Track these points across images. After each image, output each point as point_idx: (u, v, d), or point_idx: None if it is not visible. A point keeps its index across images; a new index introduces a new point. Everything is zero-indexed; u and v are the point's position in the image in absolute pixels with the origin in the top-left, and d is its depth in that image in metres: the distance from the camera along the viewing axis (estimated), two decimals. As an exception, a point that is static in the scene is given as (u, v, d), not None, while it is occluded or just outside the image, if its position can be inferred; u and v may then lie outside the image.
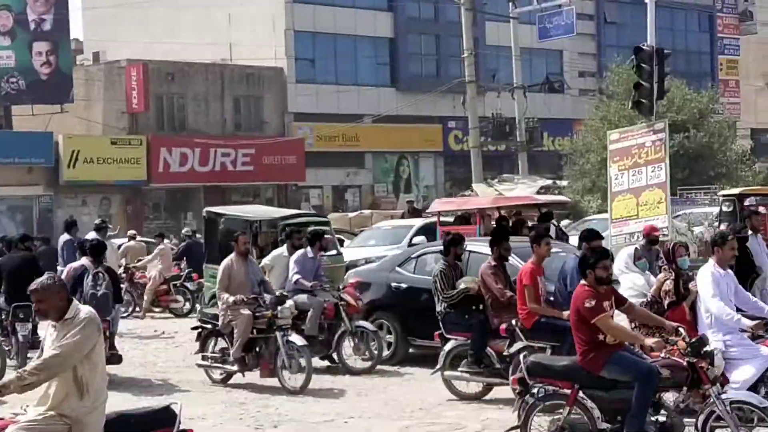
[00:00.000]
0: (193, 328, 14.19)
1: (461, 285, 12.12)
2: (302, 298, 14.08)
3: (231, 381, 13.46)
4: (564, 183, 38.78)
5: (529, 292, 11.12)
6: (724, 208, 26.76)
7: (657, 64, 24.29)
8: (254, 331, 12.89)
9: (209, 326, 13.58)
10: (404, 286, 14.39)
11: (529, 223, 20.32)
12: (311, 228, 16.17)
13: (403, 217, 30.20)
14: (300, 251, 14.64)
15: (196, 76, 44.49)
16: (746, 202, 27.36)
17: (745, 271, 12.82)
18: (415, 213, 30.96)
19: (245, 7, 45.40)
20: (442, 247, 13.33)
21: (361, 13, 48.35)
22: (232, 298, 12.86)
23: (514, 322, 11.29)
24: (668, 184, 24.33)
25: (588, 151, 40.33)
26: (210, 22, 46.26)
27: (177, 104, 44.35)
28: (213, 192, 42.53)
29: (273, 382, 12.95)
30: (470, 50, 33.74)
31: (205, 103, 44.59)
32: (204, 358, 13.63)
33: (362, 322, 14.32)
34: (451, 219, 23.29)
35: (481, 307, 12.02)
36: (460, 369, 11.84)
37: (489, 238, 15.86)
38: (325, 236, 15.99)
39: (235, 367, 13.08)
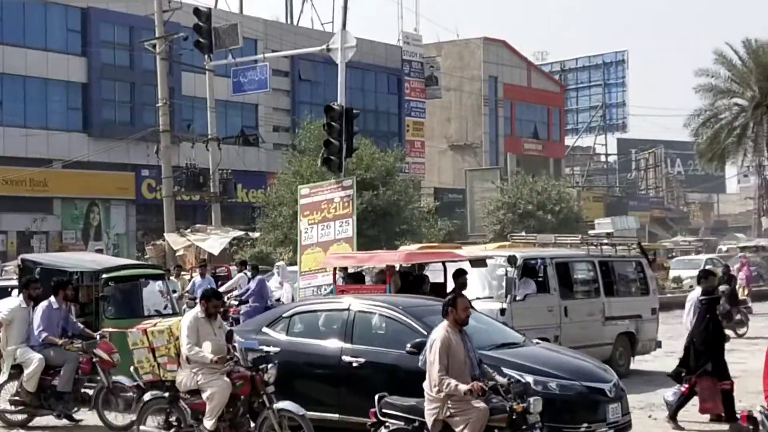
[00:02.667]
0: (371, 425, 10.29)
1: None
2: (54, 352, 13.31)
3: None
4: (257, 235, 39.26)
5: None
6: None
7: (346, 123, 25.27)
8: None
9: (400, 422, 9.99)
10: (276, 349, 12.52)
11: (431, 279, 19.44)
12: (57, 278, 14.30)
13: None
14: (44, 303, 13.54)
15: None
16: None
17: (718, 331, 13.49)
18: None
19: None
20: (313, 307, 12.80)
21: (53, 57, 47.17)
22: (463, 387, 9.43)
23: (759, 407, 9.79)
24: (355, 239, 25.25)
25: (281, 204, 41.07)
26: None
27: None
28: None
29: None
30: (165, 99, 33.71)
31: None
32: None
33: (119, 378, 13.45)
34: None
35: None
36: None
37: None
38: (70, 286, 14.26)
39: None
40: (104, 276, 15.32)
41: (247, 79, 35.47)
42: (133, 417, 13.17)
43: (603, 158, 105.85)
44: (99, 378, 13.37)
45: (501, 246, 21.22)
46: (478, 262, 17.50)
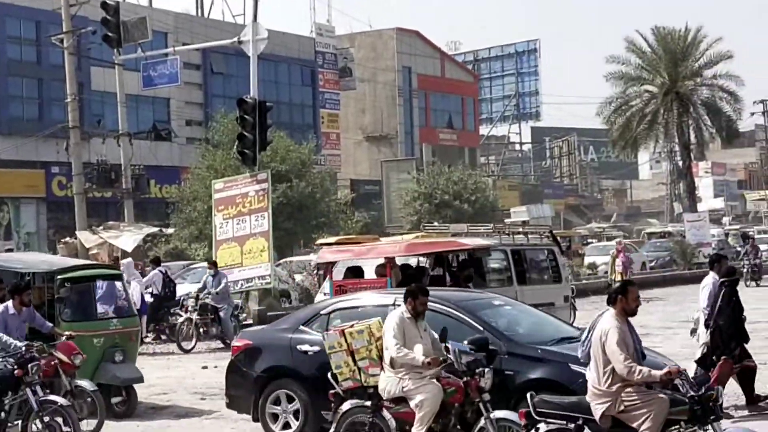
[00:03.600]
0: (524, 427, 9.53)
1: None
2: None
3: None
4: (171, 231, 38.75)
5: None
6: (323, 256, 27.74)
7: (259, 115, 25.05)
8: None
9: (561, 421, 9.19)
10: (315, 348, 11.75)
11: (430, 272, 18.69)
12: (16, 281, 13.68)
13: None
14: (0, 306, 12.99)
15: None
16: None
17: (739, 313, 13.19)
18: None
19: None
20: (355, 303, 12.17)
21: (-44, 53, 46.05)
22: (657, 372, 8.78)
23: None
24: (271, 233, 25.08)
25: (195, 199, 40.63)
26: None
27: None
28: None
29: None
30: (74, 95, 33.02)
31: None
32: None
33: (81, 381, 12.96)
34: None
35: None
36: None
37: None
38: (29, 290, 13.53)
39: None
40: (59, 277, 14.64)
41: (157, 73, 34.87)
42: (95, 422, 12.76)
43: (517, 147, 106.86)
44: (62, 381, 12.78)
45: (417, 237, 21.13)
46: (482, 250, 17.29)
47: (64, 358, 12.86)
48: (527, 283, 18.77)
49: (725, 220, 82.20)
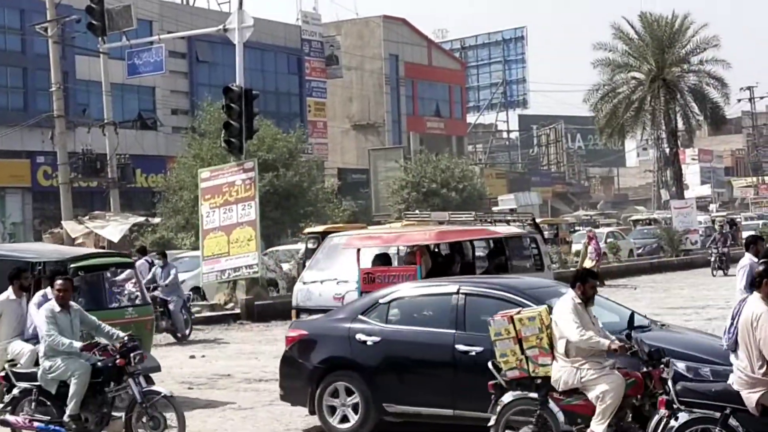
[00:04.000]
0: (667, 417, 8.90)
1: None
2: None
3: None
4: (157, 220, 38.62)
5: None
6: (310, 245, 27.72)
7: (246, 104, 24.91)
8: None
9: (707, 411, 8.75)
10: (376, 339, 11.48)
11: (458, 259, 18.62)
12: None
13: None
14: (38, 299, 12.41)
15: None
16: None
17: None
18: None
19: None
20: (416, 291, 11.76)
21: (-60, 42, 45.72)
22: None
23: None
24: (258, 222, 24.94)
25: (181, 189, 40.45)
26: None
27: None
28: None
29: None
30: (59, 84, 32.82)
31: None
32: None
33: None
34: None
35: None
36: None
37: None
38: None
39: None
40: (72, 266, 14.20)
41: (142, 62, 34.61)
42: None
43: (505, 135, 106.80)
44: None
45: (404, 225, 21.08)
46: (513, 238, 17.11)
47: None
48: (509, 271, 18.71)
49: (712, 207, 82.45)
